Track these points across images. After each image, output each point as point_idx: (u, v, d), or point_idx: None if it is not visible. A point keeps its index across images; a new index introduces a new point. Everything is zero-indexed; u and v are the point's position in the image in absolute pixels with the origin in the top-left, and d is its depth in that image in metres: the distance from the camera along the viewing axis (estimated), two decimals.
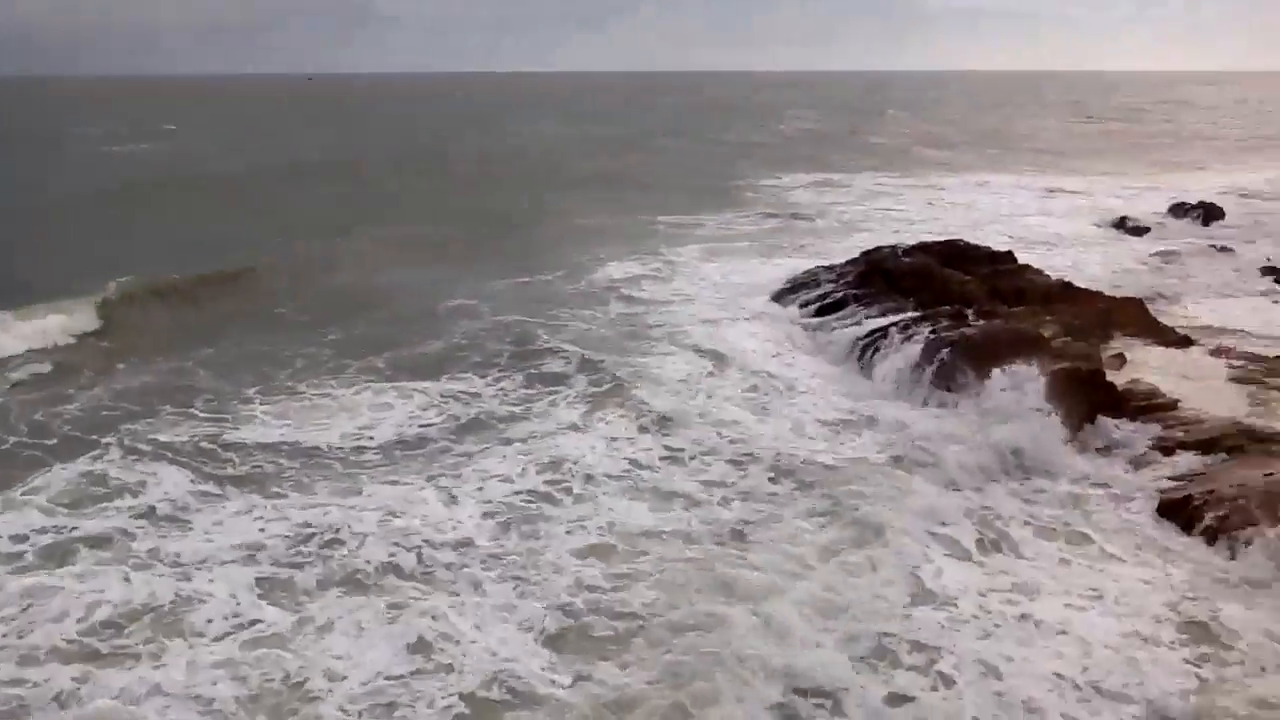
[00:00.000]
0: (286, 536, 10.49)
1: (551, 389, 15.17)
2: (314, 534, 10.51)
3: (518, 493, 11.61)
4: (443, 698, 7.94)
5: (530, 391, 15.13)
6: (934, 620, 9.10)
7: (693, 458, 12.62)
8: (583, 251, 26.07)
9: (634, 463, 12.48)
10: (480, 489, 11.69)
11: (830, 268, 20.89)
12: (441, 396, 14.93)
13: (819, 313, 18.61)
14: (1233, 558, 10.18)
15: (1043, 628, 9.06)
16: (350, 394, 15.04)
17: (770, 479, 12.00)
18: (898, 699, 8.03)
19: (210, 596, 9.28)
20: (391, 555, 10.05)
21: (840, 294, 18.90)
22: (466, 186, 41.22)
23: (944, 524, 10.95)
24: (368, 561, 9.93)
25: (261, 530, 10.64)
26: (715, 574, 9.68)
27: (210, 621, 8.91)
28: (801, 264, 22.76)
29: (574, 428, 13.57)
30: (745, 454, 12.69)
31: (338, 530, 10.53)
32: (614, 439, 13.15)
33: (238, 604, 9.19)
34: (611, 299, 21.01)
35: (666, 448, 12.89)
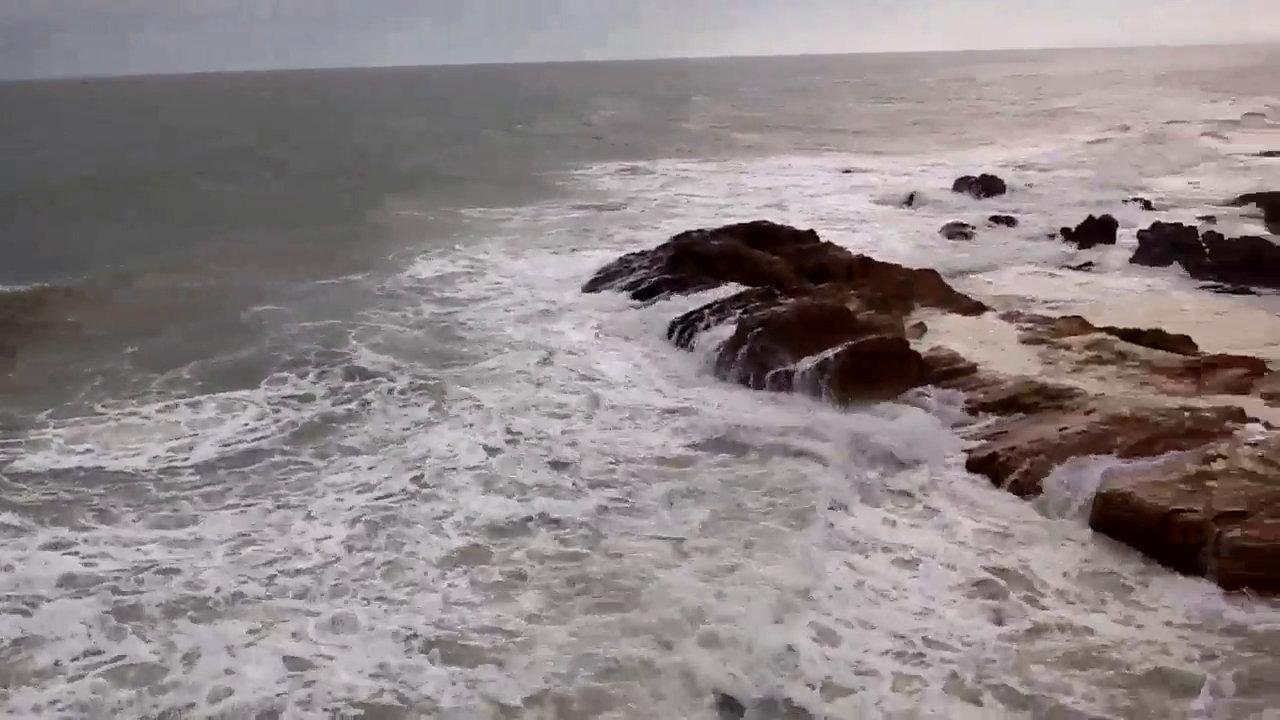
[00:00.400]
0: (118, 570, 9.71)
1: (369, 392, 14.75)
2: (148, 565, 9.79)
3: (370, 499, 11.27)
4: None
5: (349, 397, 14.67)
6: None
7: (538, 454, 12.41)
8: (397, 249, 25.52)
9: (482, 457, 12.26)
10: (326, 500, 11.30)
11: (642, 254, 21.10)
12: (269, 404, 14.31)
13: (634, 299, 18.76)
14: (1038, 509, 10.85)
15: (872, 587, 9.41)
16: (159, 410, 14.26)
17: (610, 467, 12.02)
18: None
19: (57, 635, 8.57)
20: (242, 582, 9.45)
21: (654, 279, 19.10)
22: (277, 187, 39.79)
23: (783, 496, 11.21)
24: (217, 589, 9.30)
25: (87, 565, 9.83)
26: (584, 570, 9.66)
27: (70, 660, 8.26)
28: (611, 253, 22.86)
29: (409, 431, 13.25)
30: (579, 444, 12.68)
31: (175, 560, 9.87)
32: (452, 441, 12.82)
33: (90, 638, 8.51)
34: (422, 300, 20.44)
35: (508, 442, 12.70)
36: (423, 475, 11.77)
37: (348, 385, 15.09)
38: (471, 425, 13.26)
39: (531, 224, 30.61)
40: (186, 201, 36.30)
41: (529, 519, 10.68)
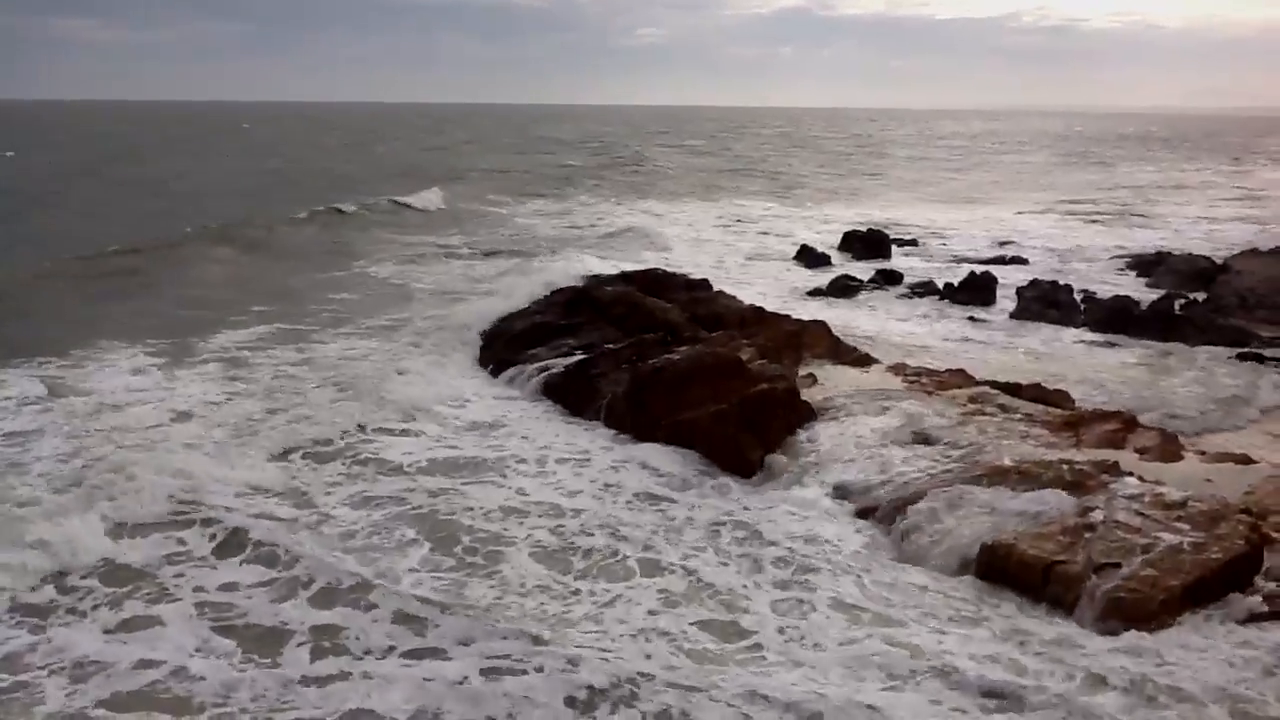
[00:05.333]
0: None
1: None
2: None
3: None
4: None
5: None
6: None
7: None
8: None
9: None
10: None
11: (535, 299, 21.06)
12: None
13: (529, 345, 18.64)
14: (924, 559, 11.09)
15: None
16: None
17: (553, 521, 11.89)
18: None
19: None
20: None
21: (549, 324, 19.06)
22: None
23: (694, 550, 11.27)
24: None
25: None
26: None
27: None
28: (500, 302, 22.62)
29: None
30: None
31: None
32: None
33: None
34: None
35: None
36: None
37: None
38: None
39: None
40: None
41: None
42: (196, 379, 16.99)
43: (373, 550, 11.15)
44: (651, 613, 9.89)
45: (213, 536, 11.10)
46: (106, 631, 9.28)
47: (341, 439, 14.46)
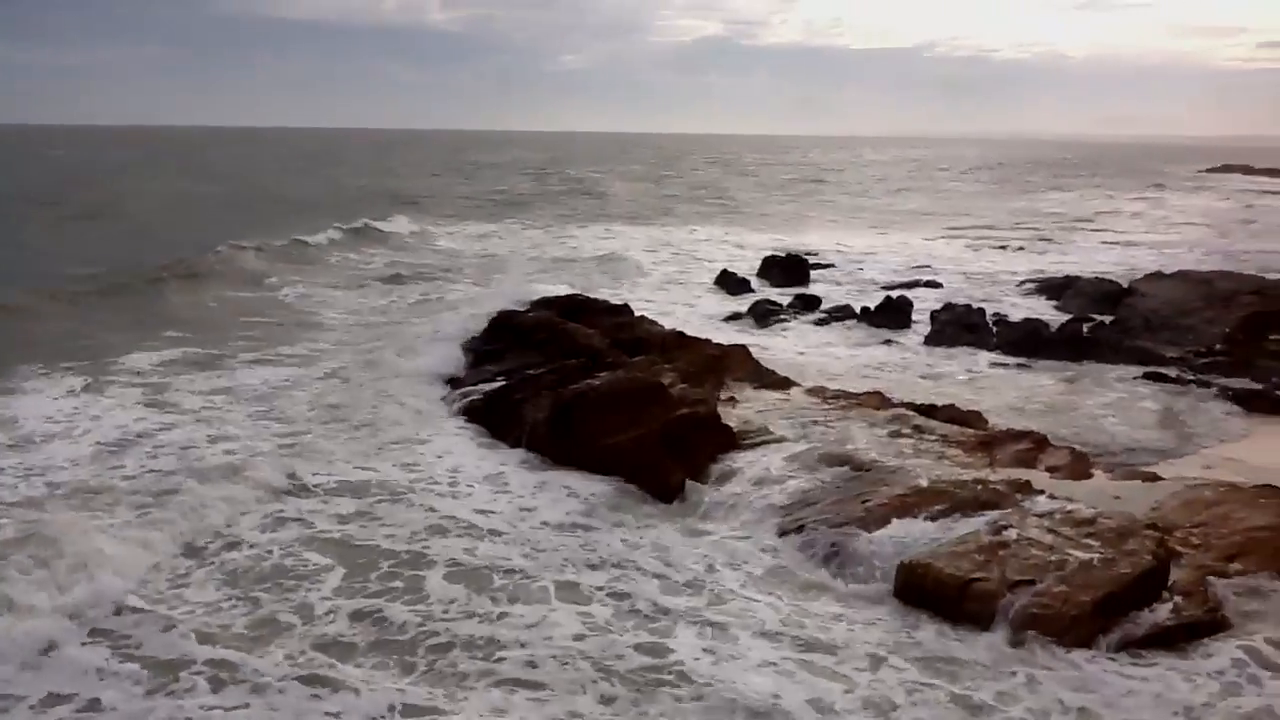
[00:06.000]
0: None
1: None
2: None
3: None
4: None
5: None
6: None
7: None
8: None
9: None
10: None
11: (455, 327, 20.93)
12: None
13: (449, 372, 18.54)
14: (845, 579, 11.22)
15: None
16: None
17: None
18: None
19: None
20: None
21: (470, 352, 18.98)
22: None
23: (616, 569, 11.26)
24: None
25: None
26: None
27: None
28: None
29: None
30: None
31: None
32: None
33: None
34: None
35: None
36: None
37: None
38: None
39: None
40: None
41: None
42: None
43: (284, 576, 10.97)
44: (578, 637, 9.86)
45: None
46: None
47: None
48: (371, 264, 36.97)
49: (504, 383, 16.92)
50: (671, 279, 34.76)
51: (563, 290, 23.16)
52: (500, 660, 9.40)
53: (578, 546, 11.95)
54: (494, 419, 16.08)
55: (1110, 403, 19.08)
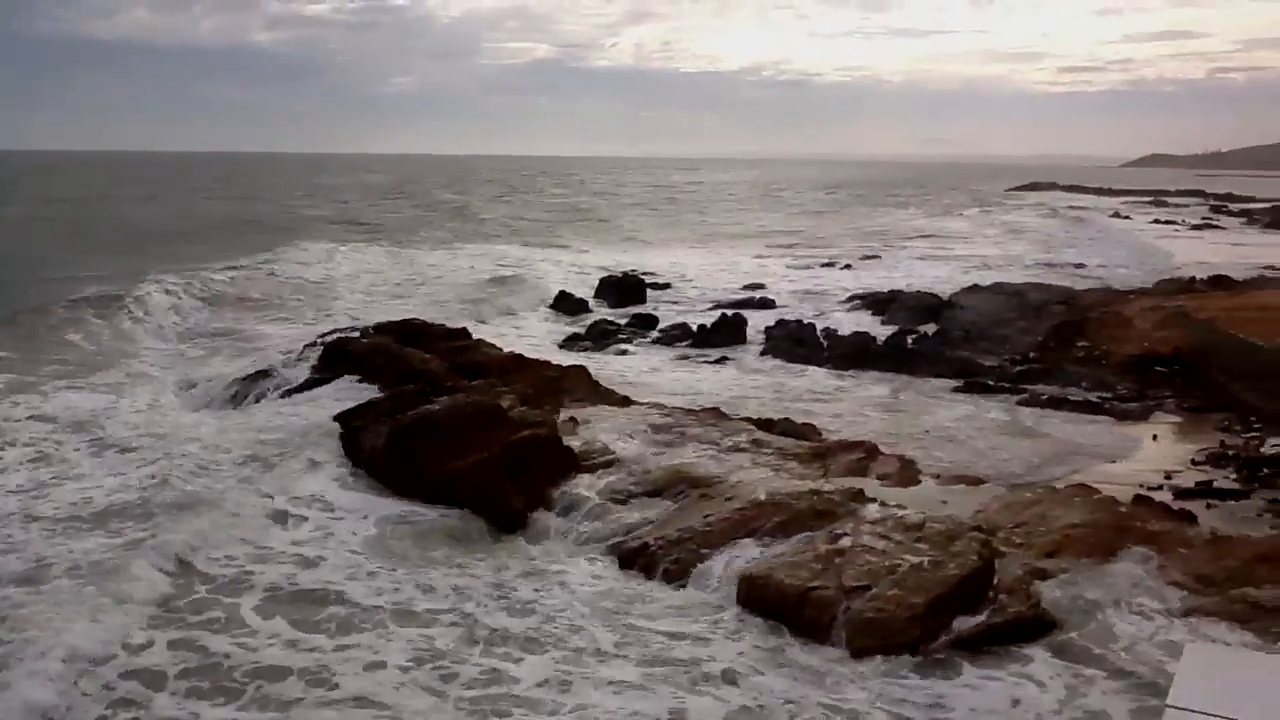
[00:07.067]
0: None
1: None
2: None
3: None
4: None
5: None
6: None
7: None
8: None
9: None
10: None
11: (289, 352, 20.36)
12: None
13: (281, 400, 17.99)
14: (690, 594, 11.32)
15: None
16: None
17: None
18: None
19: None
20: None
21: (303, 379, 18.45)
22: None
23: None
24: None
25: None
26: None
27: None
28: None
29: None
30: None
31: None
32: None
33: None
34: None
35: None
36: None
37: None
38: None
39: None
40: None
41: None
42: None
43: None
44: (415, 662, 9.67)
45: None
46: None
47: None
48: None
49: (340, 410, 16.48)
50: (511, 301, 34.49)
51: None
52: (334, 688, 9.17)
53: (415, 574, 11.73)
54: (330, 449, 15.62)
55: (934, 410, 19.85)
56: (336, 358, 19.05)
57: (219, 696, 9.05)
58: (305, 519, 13.26)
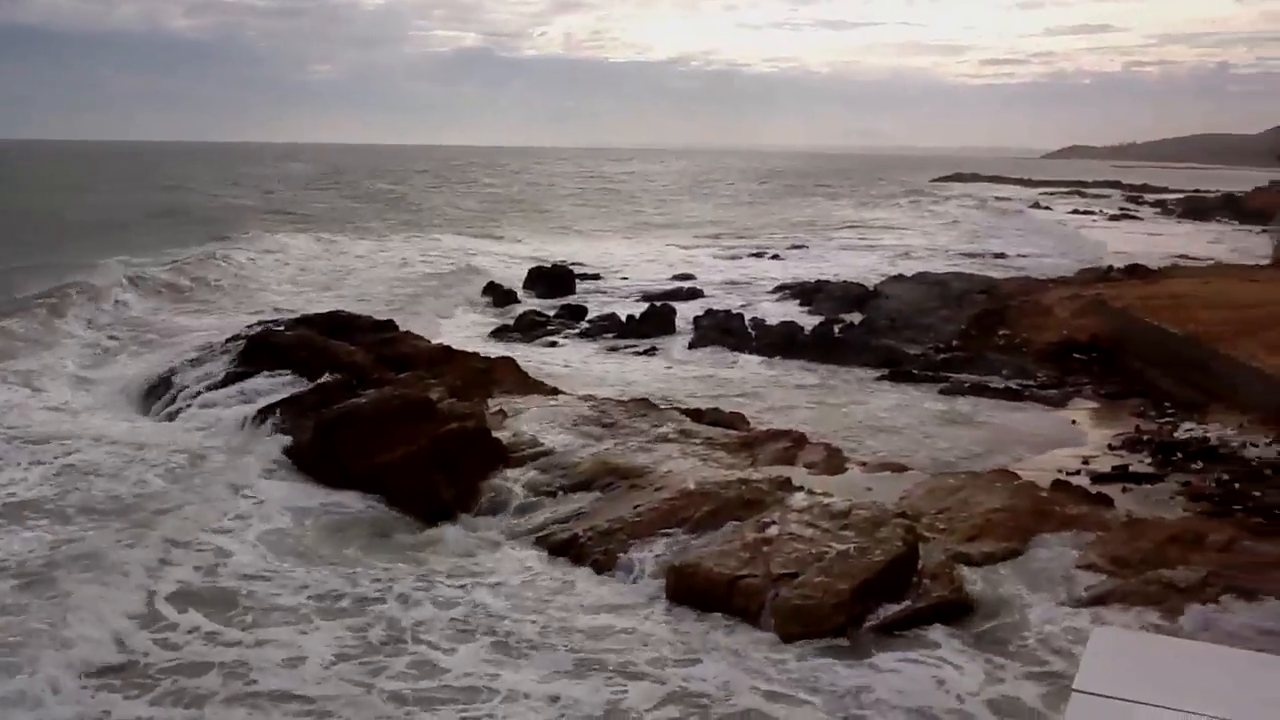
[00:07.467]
0: None
1: None
2: None
3: None
4: None
5: None
6: None
7: None
8: None
9: None
10: None
11: (209, 346, 19.96)
12: None
13: (202, 394, 17.61)
14: (619, 585, 11.34)
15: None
16: None
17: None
18: None
19: None
20: None
21: (224, 372, 18.10)
22: None
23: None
24: None
25: None
26: None
27: None
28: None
29: None
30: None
31: None
32: None
33: None
34: None
35: None
36: None
37: None
38: None
39: None
40: None
41: None
42: None
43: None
44: (341, 657, 9.58)
45: None
46: None
47: None
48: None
49: (264, 404, 16.25)
50: (439, 291, 34.21)
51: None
52: (253, 683, 9.07)
53: (340, 567, 11.62)
54: (257, 440, 15.38)
55: (862, 399, 20.12)
56: (259, 351, 18.69)
57: (132, 690, 8.92)
58: (227, 512, 13.02)
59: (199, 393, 17.69)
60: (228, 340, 19.97)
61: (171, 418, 17.08)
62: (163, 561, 11.45)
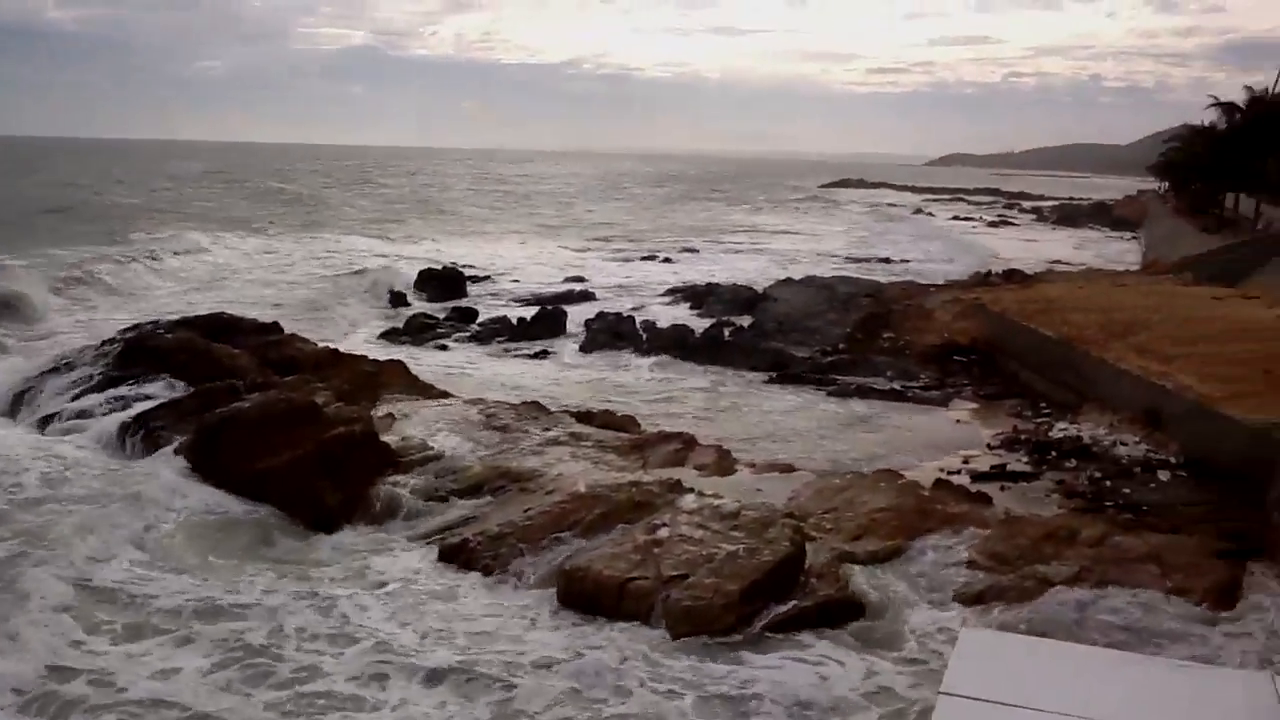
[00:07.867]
0: None
1: None
2: None
3: None
4: None
5: None
6: None
7: None
8: None
9: None
10: None
11: (84, 349, 19.24)
12: None
13: (76, 399, 16.98)
14: (509, 590, 11.29)
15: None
16: None
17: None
18: None
19: None
20: None
21: (100, 377, 17.46)
22: None
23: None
24: None
25: None
26: None
27: None
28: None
29: None
30: None
31: None
32: None
33: None
34: None
35: None
36: None
37: None
38: None
39: None
40: None
41: None
42: None
43: None
44: (218, 666, 9.37)
45: None
46: None
47: None
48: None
49: (141, 410, 15.72)
50: (328, 294, 33.61)
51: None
52: (123, 690, 8.81)
53: (221, 572, 11.34)
54: (133, 451, 14.88)
55: (751, 400, 20.38)
56: (137, 354, 18.07)
57: None
58: (101, 519, 12.48)
59: (74, 398, 17.04)
60: (103, 343, 19.28)
61: (43, 424, 16.41)
62: (34, 566, 10.96)
